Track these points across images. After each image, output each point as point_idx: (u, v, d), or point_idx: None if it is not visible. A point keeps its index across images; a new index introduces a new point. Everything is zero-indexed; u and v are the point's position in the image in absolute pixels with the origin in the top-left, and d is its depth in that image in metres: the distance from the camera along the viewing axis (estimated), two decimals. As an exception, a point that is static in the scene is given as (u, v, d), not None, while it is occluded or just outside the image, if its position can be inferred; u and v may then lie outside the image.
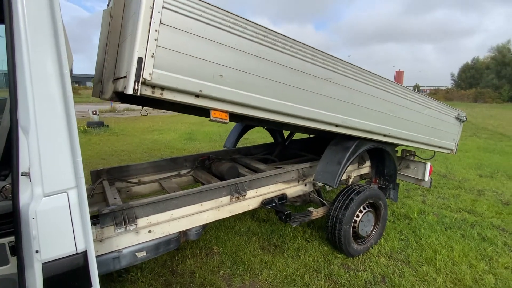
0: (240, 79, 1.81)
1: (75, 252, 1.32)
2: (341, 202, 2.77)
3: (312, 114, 2.23)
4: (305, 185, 2.98)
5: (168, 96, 1.59)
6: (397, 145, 3.11)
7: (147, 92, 1.51)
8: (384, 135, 2.82)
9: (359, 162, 3.53)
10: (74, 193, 1.30)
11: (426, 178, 3.51)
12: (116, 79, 2.06)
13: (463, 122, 3.57)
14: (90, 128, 9.98)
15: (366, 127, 2.62)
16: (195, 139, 9.00)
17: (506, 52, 55.86)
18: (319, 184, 2.83)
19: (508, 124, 16.22)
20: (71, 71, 2.39)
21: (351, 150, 2.69)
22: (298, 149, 4.17)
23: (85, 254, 1.35)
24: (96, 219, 1.87)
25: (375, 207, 3.01)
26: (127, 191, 2.94)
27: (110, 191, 2.54)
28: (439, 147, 3.44)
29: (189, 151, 7.35)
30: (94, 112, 10.58)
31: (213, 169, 3.14)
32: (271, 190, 2.71)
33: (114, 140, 8.73)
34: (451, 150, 3.60)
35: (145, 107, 3.02)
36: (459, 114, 3.49)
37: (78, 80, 69.62)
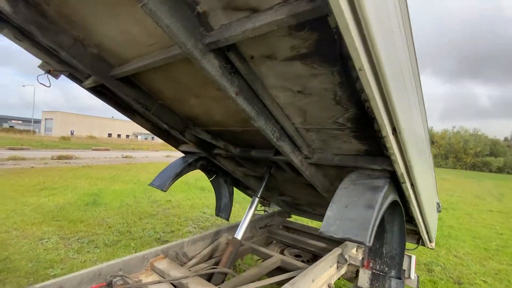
0: None
1: None
2: None
3: None
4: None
5: None
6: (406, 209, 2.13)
7: None
8: (412, 184, 1.81)
9: (339, 261, 2.45)
10: None
11: (412, 275, 2.63)
12: None
13: (439, 211, 2.93)
14: None
15: (411, 152, 1.54)
16: (101, 203, 6.62)
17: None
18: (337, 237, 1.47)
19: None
20: None
21: (384, 191, 1.57)
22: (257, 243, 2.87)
23: None
24: None
25: None
26: None
27: None
28: (427, 233, 2.62)
29: (87, 223, 5.12)
30: None
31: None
32: None
33: (-31, 207, 5.70)
34: (432, 242, 2.84)
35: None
36: (438, 202, 2.84)
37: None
